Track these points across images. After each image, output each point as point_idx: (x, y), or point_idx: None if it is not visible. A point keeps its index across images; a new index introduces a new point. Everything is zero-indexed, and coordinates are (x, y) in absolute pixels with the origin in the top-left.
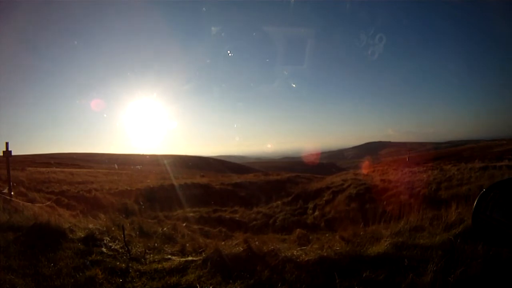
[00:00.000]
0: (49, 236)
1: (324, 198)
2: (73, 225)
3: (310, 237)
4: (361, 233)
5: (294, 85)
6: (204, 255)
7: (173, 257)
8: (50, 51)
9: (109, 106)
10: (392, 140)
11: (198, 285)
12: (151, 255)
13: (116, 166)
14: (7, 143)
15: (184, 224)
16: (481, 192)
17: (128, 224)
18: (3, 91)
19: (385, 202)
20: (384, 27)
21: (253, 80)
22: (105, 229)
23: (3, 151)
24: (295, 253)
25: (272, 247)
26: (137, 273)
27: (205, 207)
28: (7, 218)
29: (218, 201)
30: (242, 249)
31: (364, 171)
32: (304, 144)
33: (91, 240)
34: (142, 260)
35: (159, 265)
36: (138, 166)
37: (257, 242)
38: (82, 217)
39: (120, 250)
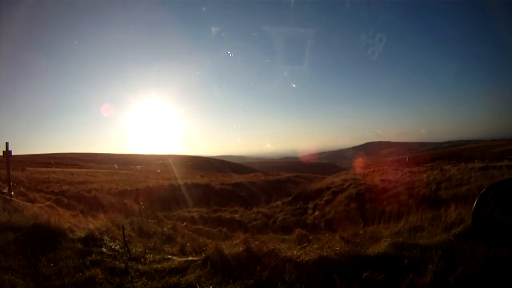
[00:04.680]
0: (49, 236)
1: (324, 198)
2: (73, 225)
3: (310, 237)
4: (361, 233)
5: (294, 85)
6: (204, 255)
7: (173, 257)
8: (51, 51)
9: (108, 106)
10: (392, 140)
11: (198, 285)
12: (151, 255)
13: (116, 166)
14: (7, 143)
15: (184, 224)
16: (481, 192)
17: (128, 224)
18: (4, 91)
19: (385, 202)
20: (384, 27)
21: (253, 80)
22: (105, 229)
23: (3, 151)
24: (295, 253)
25: (272, 247)
26: (137, 273)
27: (205, 207)
28: (7, 218)
29: (218, 201)
30: (242, 249)
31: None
32: (304, 144)
33: (91, 240)
34: (142, 260)
35: (159, 265)
36: (138, 166)
37: (257, 242)
38: (82, 217)
39: (120, 250)
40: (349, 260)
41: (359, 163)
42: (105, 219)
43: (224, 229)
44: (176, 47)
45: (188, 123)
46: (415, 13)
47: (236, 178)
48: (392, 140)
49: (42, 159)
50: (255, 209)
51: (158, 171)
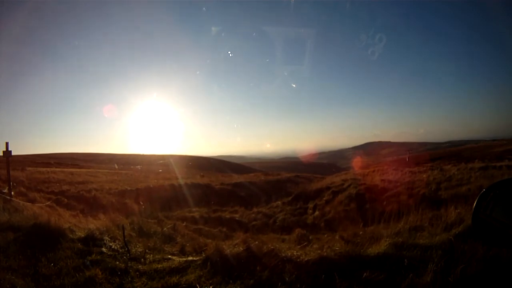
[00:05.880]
0: (49, 236)
1: (324, 198)
2: (73, 225)
3: (310, 237)
4: (361, 233)
5: (294, 85)
6: (204, 255)
7: (173, 257)
8: (51, 51)
9: (109, 107)
10: (392, 140)
11: (198, 285)
12: (151, 255)
13: (116, 166)
14: (7, 143)
15: (184, 224)
16: (481, 192)
17: (128, 224)
18: (4, 91)
19: (385, 202)
20: (384, 27)
21: (253, 80)
22: (105, 229)
23: (3, 151)
24: (295, 253)
25: (272, 247)
26: (137, 273)
27: (205, 207)
28: (7, 218)
29: (218, 201)
30: (242, 249)
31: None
32: (304, 144)
33: (91, 240)
34: (142, 260)
35: (159, 265)
36: (138, 166)
37: (257, 242)
38: (82, 217)
39: (120, 250)
40: (349, 260)
41: (357, 162)
42: (105, 219)
43: (224, 229)
44: (176, 47)
45: (188, 123)
46: (415, 13)
47: (236, 178)
48: (392, 140)
49: (42, 159)
50: (255, 209)
51: (160, 170)
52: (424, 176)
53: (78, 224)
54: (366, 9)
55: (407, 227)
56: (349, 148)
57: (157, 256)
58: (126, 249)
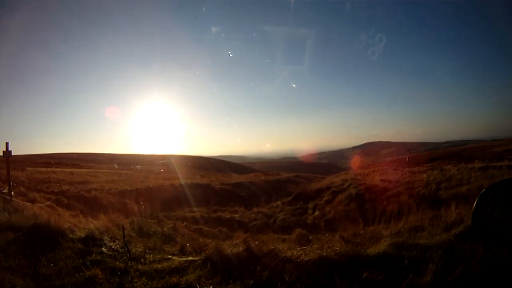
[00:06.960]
0: (49, 236)
1: (324, 198)
2: (73, 225)
3: (310, 237)
4: (361, 233)
5: (294, 85)
6: (204, 255)
7: (173, 257)
8: (52, 51)
9: (110, 108)
10: (392, 140)
11: (198, 285)
12: (151, 255)
13: (116, 166)
14: (7, 143)
15: (184, 224)
16: (481, 192)
17: (128, 224)
18: (4, 91)
19: (385, 202)
20: (384, 27)
21: (253, 80)
22: (105, 229)
23: (3, 151)
24: (295, 253)
25: (272, 247)
26: (137, 273)
27: (205, 207)
28: (7, 218)
29: (218, 201)
30: (242, 249)
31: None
32: (304, 144)
33: (91, 240)
34: (142, 260)
35: (159, 265)
36: (138, 166)
37: (257, 242)
38: (82, 217)
39: (120, 250)
40: (349, 260)
41: (355, 162)
42: (105, 219)
43: (224, 229)
44: (176, 47)
45: (188, 123)
46: (414, 13)
47: (236, 178)
48: (392, 140)
49: (42, 159)
50: (255, 209)
51: (162, 170)
52: (424, 176)
53: (78, 224)
54: (366, 9)
55: (407, 227)
56: (349, 148)
57: (157, 256)
58: (126, 249)
